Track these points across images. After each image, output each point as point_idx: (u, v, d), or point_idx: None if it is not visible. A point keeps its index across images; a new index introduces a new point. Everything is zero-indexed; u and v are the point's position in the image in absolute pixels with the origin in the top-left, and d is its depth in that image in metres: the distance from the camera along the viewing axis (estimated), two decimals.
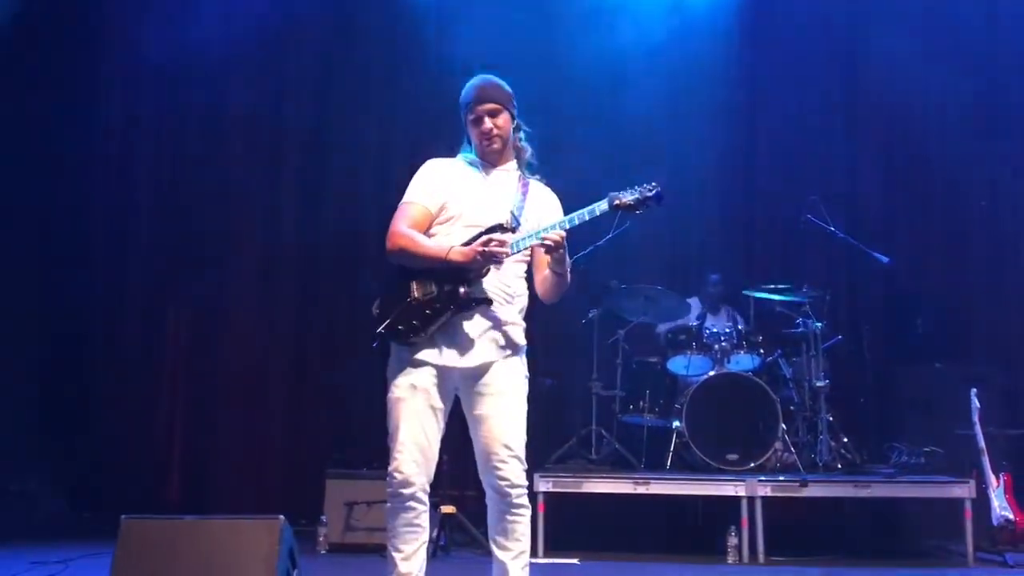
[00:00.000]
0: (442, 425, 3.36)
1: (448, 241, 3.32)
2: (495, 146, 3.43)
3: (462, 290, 3.25)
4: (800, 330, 6.39)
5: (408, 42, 7.44)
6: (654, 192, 3.24)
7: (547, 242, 3.21)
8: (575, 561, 5.39)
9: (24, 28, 6.84)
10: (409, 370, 3.30)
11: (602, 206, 3.25)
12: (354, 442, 6.64)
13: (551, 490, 5.57)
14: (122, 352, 7.12)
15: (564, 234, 3.23)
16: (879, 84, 7.36)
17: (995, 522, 5.48)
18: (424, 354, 3.30)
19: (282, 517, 3.79)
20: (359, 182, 7.32)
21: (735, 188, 7.56)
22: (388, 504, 3.34)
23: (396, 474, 3.28)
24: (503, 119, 3.42)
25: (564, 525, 5.68)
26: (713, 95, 7.46)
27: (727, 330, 6.41)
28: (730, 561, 5.44)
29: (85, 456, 6.73)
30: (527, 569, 3.38)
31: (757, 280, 6.65)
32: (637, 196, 3.24)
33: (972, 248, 7.26)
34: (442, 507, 5.54)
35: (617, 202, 3.24)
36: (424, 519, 3.34)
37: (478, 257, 3.22)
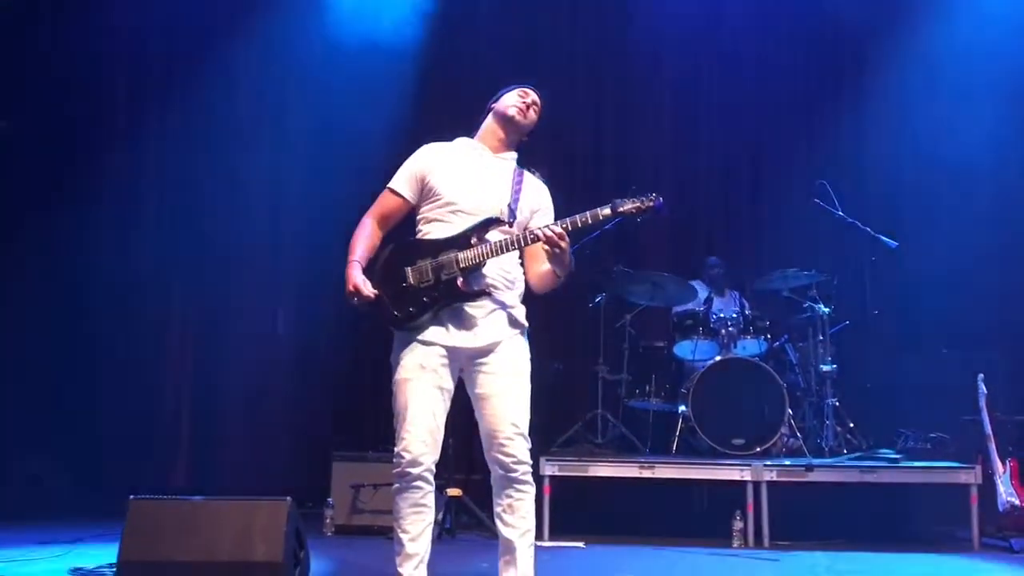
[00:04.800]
0: (447, 406, 3.39)
1: (444, 229, 3.37)
2: (523, 120, 3.50)
3: (459, 281, 3.30)
4: (807, 315, 6.39)
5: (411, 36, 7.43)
6: (654, 202, 3.33)
7: (551, 238, 3.24)
8: (580, 545, 5.40)
9: (28, 25, 6.83)
10: (416, 350, 3.34)
11: (604, 211, 3.31)
12: (360, 425, 6.67)
13: (556, 474, 5.58)
14: (129, 333, 7.13)
15: (564, 232, 3.25)
16: (887, 67, 7.33)
17: (1001, 508, 5.48)
18: (430, 334, 3.34)
19: (289, 499, 3.81)
20: (365, 170, 7.29)
21: (742, 172, 7.54)
22: (395, 484, 3.36)
23: (404, 454, 3.31)
24: (536, 116, 3.56)
25: (569, 509, 5.70)
26: (720, 78, 7.44)
27: (734, 315, 6.41)
28: (735, 545, 5.45)
29: (93, 436, 6.75)
30: (533, 548, 3.41)
31: (764, 265, 6.64)
32: (638, 205, 3.31)
33: (979, 233, 7.23)
34: (448, 490, 5.56)
35: (621, 209, 3.31)
36: (430, 499, 3.38)
37: (349, 288, 3.34)
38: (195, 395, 7.24)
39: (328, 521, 5.70)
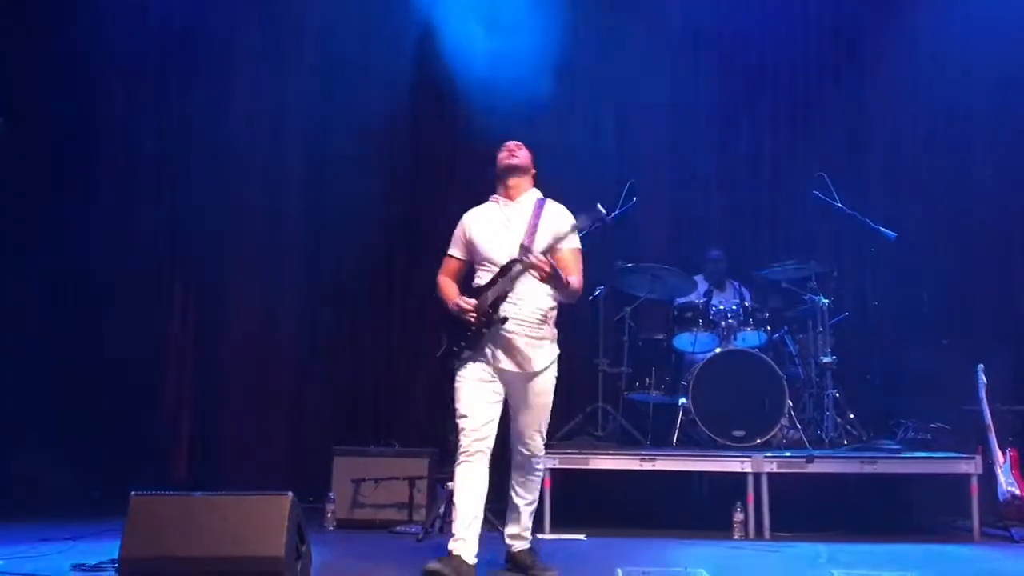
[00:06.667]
0: (499, 406, 4.17)
1: (484, 277, 4.23)
2: (513, 161, 4.30)
3: (491, 311, 4.12)
4: (807, 306, 6.38)
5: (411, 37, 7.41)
6: (601, 215, 4.45)
7: (535, 266, 3.96)
8: (581, 537, 5.41)
9: (25, 24, 6.82)
10: (473, 362, 4.17)
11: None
12: (362, 419, 6.66)
13: (557, 466, 5.58)
14: (130, 330, 7.12)
15: (541, 259, 3.93)
16: (886, 59, 7.32)
17: (1001, 498, 5.50)
18: (483, 356, 4.16)
19: (290, 493, 3.81)
20: (365, 161, 7.30)
21: (741, 164, 7.53)
22: (456, 463, 4.12)
23: (463, 438, 4.07)
24: (524, 152, 4.35)
25: (570, 501, 5.70)
26: (719, 71, 7.43)
27: (733, 307, 6.40)
28: (736, 537, 5.46)
29: (94, 432, 6.75)
30: (532, 511, 4.35)
31: (764, 257, 6.64)
32: (588, 222, 4.27)
33: (979, 224, 7.23)
34: (449, 484, 5.55)
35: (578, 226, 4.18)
36: (481, 476, 4.07)
37: (455, 311, 4.19)
38: (196, 390, 7.24)
39: (329, 515, 5.71)
